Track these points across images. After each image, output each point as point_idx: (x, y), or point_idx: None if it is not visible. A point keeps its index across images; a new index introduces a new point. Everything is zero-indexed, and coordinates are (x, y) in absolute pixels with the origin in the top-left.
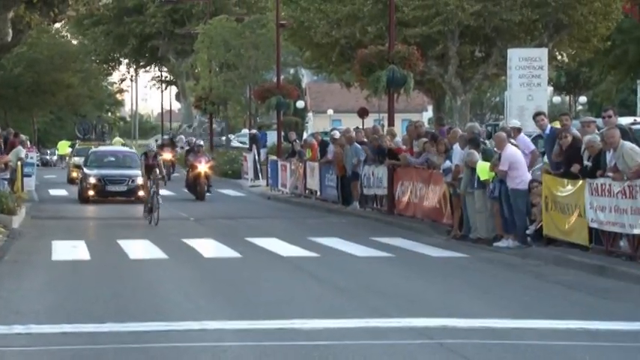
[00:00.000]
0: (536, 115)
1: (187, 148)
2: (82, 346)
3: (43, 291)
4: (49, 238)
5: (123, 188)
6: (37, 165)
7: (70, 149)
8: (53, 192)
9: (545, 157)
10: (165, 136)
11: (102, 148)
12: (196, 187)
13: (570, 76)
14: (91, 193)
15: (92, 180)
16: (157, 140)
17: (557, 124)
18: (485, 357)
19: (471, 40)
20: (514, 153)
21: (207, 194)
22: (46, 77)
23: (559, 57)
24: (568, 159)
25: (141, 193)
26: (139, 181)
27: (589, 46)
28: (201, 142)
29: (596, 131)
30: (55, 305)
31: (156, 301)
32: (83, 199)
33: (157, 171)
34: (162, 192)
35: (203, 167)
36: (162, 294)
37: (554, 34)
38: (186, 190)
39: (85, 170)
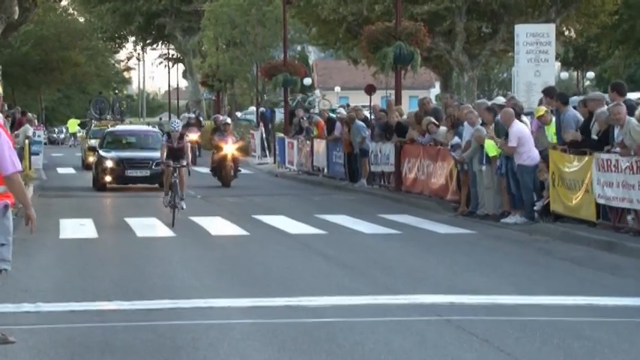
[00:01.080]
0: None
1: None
2: (89, 324)
3: (51, 269)
4: (56, 217)
5: (145, 173)
6: (45, 143)
7: (78, 127)
8: (61, 170)
9: (549, 132)
10: (191, 114)
11: (120, 127)
12: (221, 172)
13: (578, 52)
14: (107, 179)
15: (109, 164)
16: (160, 118)
17: (540, 111)
18: (493, 333)
19: (478, 16)
20: (522, 129)
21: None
22: (53, 55)
23: (566, 32)
24: (581, 131)
25: None
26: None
27: (596, 21)
28: (229, 120)
29: (605, 107)
30: (63, 283)
31: (163, 278)
32: (99, 186)
33: (185, 158)
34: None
35: (230, 148)
36: (169, 272)
37: (562, 10)
38: (210, 173)
39: (101, 153)
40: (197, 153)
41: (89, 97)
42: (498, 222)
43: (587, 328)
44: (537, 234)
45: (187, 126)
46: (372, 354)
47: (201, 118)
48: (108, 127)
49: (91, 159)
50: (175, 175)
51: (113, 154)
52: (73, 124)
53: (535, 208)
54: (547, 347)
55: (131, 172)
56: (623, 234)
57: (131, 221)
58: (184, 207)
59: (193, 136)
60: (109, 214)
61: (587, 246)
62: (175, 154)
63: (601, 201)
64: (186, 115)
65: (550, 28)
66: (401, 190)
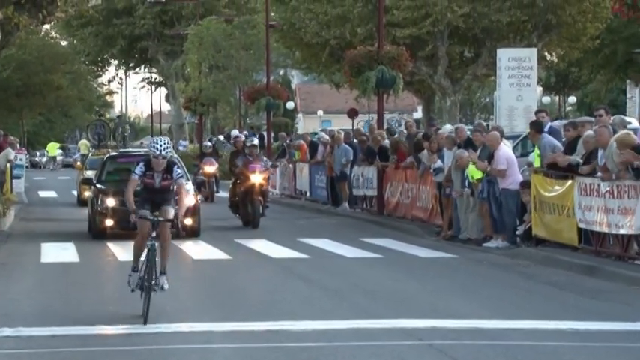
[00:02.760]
0: (537, 112)
1: (233, 149)
2: (71, 349)
3: (32, 293)
4: (38, 241)
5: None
6: (27, 167)
7: (60, 151)
8: (43, 194)
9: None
10: (207, 142)
11: (124, 151)
12: (246, 208)
13: (560, 76)
14: (108, 223)
15: (110, 202)
16: (141, 143)
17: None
18: (475, 358)
19: (460, 41)
20: (508, 152)
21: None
22: (35, 79)
23: (548, 57)
24: (567, 153)
25: (187, 221)
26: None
27: (578, 45)
28: (255, 141)
29: (591, 130)
30: (44, 308)
31: None
32: (97, 232)
33: (172, 207)
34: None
35: (258, 178)
36: (151, 296)
37: (544, 35)
38: (229, 210)
39: (99, 187)
40: (215, 189)
41: (71, 121)
42: (480, 246)
43: (569, 353)
44: (519, 258)
45: (203, 156)
46: None
47: (220, 148)
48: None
49: (87, 193)
50: (153, 236)
51: (116, 189)
52: (52, 148)
53: (517, 232)
54: None
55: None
56: (605, 258)
57: (112, 245)
58: (166, 286)
59: (210, 168)
60: (91, 238)
61: (569, 270)
62: (155, 197)
63: (582, 225)
64: (205, 143)
65: (532, 53)
66: (383, 214)
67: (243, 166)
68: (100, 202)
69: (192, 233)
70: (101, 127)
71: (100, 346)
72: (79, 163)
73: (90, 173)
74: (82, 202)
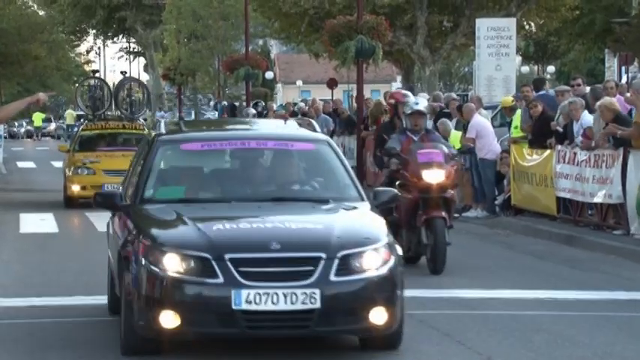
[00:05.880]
0: (523, 87)
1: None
2: (50, 319)
3: (11, 264)
4: (17, 211)
5: (305, 302)
6: (5, 137)
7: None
8: (21, 164)
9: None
10: (249, 108)
11: (194, 122)
12: (415, 232)
13: (538, 46)
14: (168, 321)
15: (173, 264)
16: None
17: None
18: (455, 327)
19: (440, 10)
20: (481, 122)
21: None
22: (12, 48)
23: (527, 27)
24: (539, 128)
25: (376, 317)
26: (374, 261)
27: (557, 15)
28: (422, 105)
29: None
30: (23, 278)
31: None
32: (136, 342)
33: None
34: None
35: (438, 176)
36: None
37: (522, 4)
38: None
39: (137, 218)
40: None
41: (47, 88)
42: (460, 215)
43: (548, 322)
44: (498, 227)
45: None
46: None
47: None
48: (105, 130)
49: (76, 189)
50: None
51: (187, 225)
52: (38, 118)
53: (496, 201)
54: (508, 341)
55: (266, 302)
56: (583, 228)
57: (92, 215)
58: None
59: None
60: (70, 208)
61: (548, 240)
62: None
63: (561, 195)
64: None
65: (511, 23)
66: (362, 184)
67: (406, 152)
68: (148, 264)
69: (387, 342)
70: (97, 88)
71: (80, 317)
72: (63, 144)
73: (82, 156)
74: (68, 200)
